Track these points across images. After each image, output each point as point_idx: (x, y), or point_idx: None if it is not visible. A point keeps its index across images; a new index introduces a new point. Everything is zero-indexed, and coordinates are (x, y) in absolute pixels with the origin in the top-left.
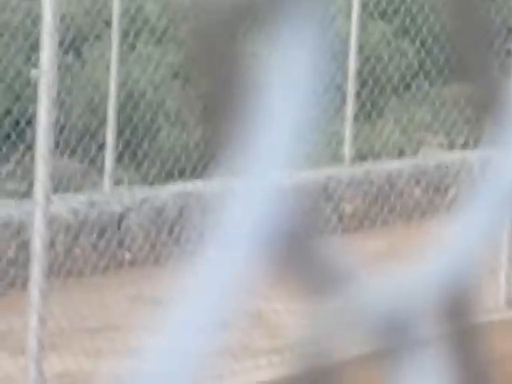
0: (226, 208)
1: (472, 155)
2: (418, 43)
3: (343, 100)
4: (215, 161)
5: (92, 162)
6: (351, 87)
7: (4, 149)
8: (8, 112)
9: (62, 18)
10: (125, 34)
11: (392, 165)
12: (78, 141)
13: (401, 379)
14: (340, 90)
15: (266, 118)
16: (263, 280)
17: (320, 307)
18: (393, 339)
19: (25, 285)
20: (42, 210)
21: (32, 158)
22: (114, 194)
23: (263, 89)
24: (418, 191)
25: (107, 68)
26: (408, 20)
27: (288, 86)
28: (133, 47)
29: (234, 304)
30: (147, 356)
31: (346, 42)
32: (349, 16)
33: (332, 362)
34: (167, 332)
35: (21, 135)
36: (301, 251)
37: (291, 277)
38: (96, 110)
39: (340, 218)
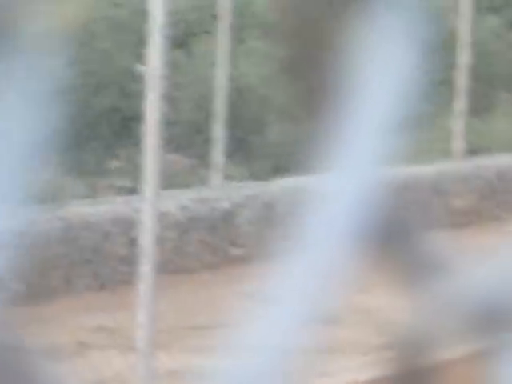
0: (327, 203)
1: None
2: None
3: (453, 94)
4: (315, 156)
5: (200, 157)
6: (461, 82)
7: (113, 145)
8: (116, 108)
9: (171, 14)
10: (233, 29)
11: (502, 159)
12: (186, 136)
13: (500, 377)
14: (450, 84)
15: (363, 113)
16: (370, 275)
17: (422, 302)
18: (492, 333)
19: (134, 282)
20: (150, 206)
21: (140, 154)
22: (222, 190)
23: (361, 81)
24: None
25: (215, 63)
26: None
27: (387, 79)
28: (241, 41)
29: (341, 300)
30: (254, 353)
31: (456, 35)
32: (459, 10)
33: (433, 359)
34: (274, 329)
35: (129, 131)
36: (401, 245)
37: (390, 270)
38: (204, 105)
39: (450, 213)
